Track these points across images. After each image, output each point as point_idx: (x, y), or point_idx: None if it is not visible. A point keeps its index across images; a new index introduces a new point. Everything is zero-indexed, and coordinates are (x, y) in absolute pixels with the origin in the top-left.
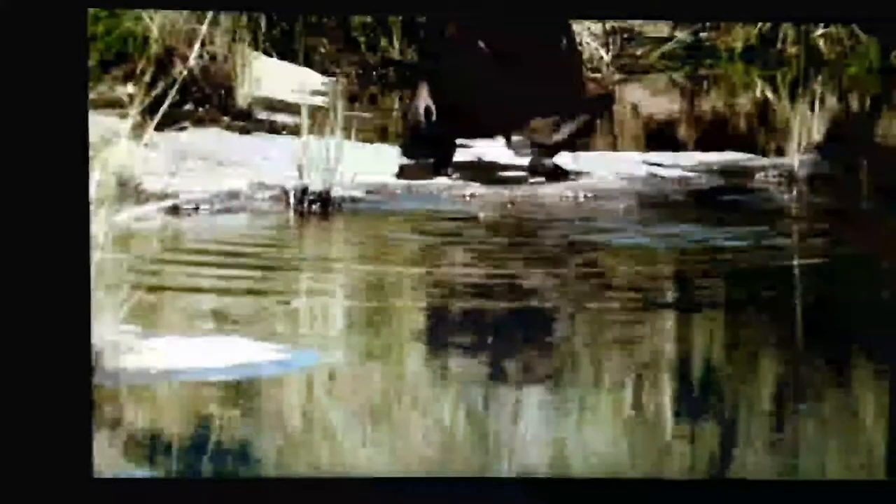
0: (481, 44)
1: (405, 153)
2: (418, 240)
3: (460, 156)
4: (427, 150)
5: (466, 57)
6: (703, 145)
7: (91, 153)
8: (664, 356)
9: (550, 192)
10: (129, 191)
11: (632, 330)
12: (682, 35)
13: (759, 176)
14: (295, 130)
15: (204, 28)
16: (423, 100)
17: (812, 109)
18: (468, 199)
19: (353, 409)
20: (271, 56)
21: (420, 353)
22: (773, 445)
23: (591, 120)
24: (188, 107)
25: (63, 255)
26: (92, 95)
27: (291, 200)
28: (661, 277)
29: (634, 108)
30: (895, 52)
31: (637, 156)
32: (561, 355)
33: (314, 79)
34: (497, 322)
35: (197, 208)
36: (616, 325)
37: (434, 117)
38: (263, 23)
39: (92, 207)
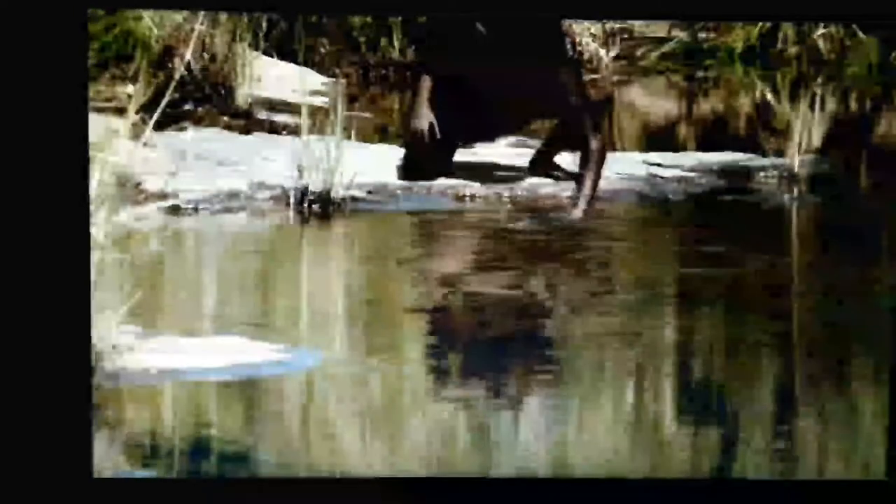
0: (479, 45)
1: (406, 169)
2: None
3: (460, 156)
4: (429, 163)
5: (465, 58)
6: (703, 146)
7: (91, 153)
8: None
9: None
10: (129, 191)
11: None
12: (681, 35)
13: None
14: (295, 130)
15: (199, 27)
16: (426, 117)
17: (812, 109)
18: (468, 199)
19: (354, 409)
20: (271, 56)
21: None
22: None
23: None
24: (188, 107)
25: (63, 255)
26: (91, 95)
27: (292, 200)
28: None
29: (634, 108)
30: (895, 52)
31: (637, 156)
32: None
33: (314, 79)
34: None
35: (197, 208)
36: None
37: (438, 133)
38: (264, 23)
39: (92, 207)
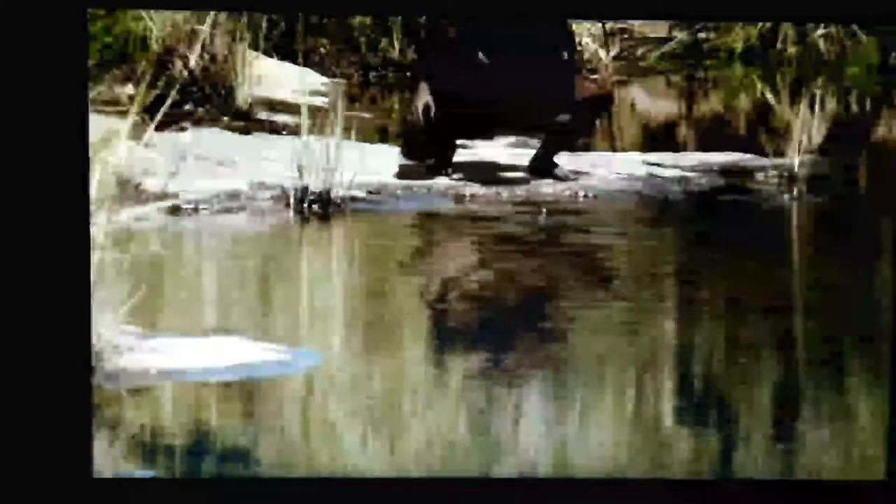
0: (479, 46)
1: (404, 152)
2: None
3: (460, 156)
4: (427, 148)
5: (465, 57)
6: (703, 146)
7: (91, 153)
8: None
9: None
10: (129, 191)
11: None
12: (681, 35)
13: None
14: (295, 130)
15: (204, 27)
16: (423, 98)
17: (812, 110)
18: (468, 199)
19: (354, 409)
20: (271, 56)
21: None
22: None
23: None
24: (188, 107)
25: (63, 255)
26: (92, 96)
27: (291, 200)
28: None
29: (634, 108)
30: (895, 52)
31: (637, 156)
32: None
33: (314, 79)
34: None
35: (197, 208)
36: None
37: (433, 114)
38: (263, 23)
39: (92, 207)
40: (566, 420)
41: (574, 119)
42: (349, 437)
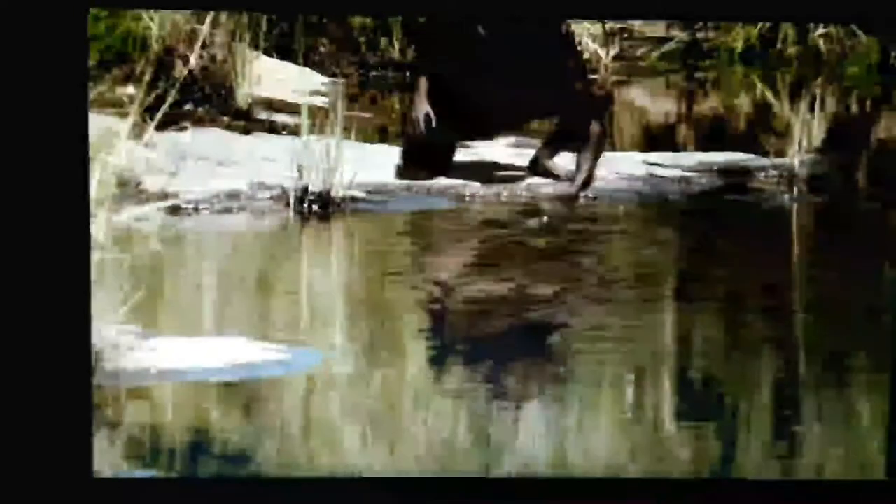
0: (480, 45)
1: (405, 157)
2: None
3: (460, 156)
4: (427, 156)
5: (466, 57)
6: (703, 146)
7: (91, 153)
8: None
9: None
10: (129, 191)
11: None
12: (680, 35)
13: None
14: (295, 130)
15: (203, 27)
16: (423, 107)
17: (812, 110)
18: (468, 198)
19: (354, 409)
20: (271, 56)
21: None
22: None
23: (600, 143)
24: (188, 107)
25: (63, 255)
26: (93, 96)
27: (291, 200)
28: None
29: (634, 108)
30: (895, 52)
31: (637, 156)
32: None
33: (314, 79)
34: None
35: (197, 208)
36: None
37: (434, 124)
38: (263, 23)
39: (92, 207)
40: (566, 420)
41: (576, 119)
42: (349, 436)
